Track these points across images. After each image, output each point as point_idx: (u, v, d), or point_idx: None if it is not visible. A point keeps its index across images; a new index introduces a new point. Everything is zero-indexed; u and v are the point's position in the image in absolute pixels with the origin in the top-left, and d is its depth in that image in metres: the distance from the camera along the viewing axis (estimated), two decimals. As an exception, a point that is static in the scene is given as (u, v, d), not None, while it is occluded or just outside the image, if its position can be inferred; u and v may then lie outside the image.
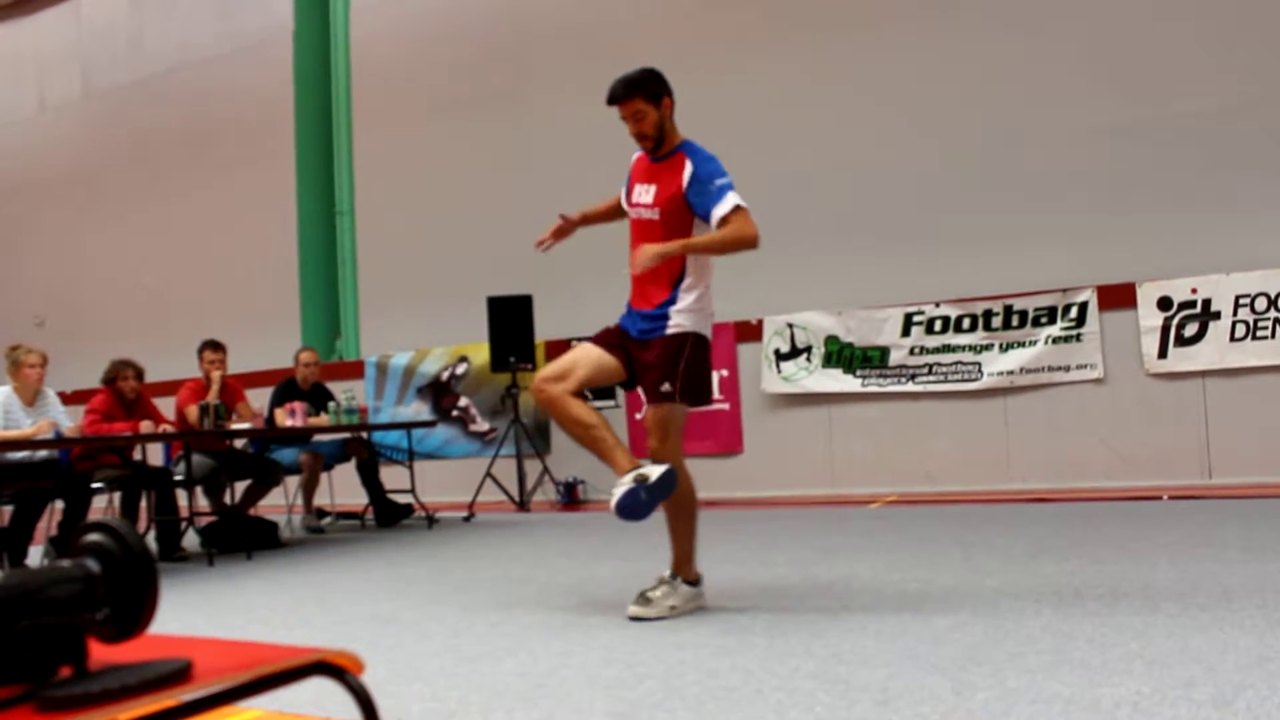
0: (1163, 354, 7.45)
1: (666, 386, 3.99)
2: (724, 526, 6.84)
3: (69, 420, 6.89)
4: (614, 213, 4.43)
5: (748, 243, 3.97)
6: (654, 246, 3.93)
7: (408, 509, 8.44)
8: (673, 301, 4.04)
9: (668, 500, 3.98)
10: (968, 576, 4.42)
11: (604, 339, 4.13)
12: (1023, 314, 7.84)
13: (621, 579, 4.76)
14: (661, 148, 4.10)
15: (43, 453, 6.59)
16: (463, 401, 10.28)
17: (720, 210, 3.94)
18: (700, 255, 4.05)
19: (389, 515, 8.39)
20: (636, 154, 4.26)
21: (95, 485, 6.70)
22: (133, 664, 1.21)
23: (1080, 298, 7.65)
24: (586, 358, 4.06)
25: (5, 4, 14.38)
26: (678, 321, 4.04)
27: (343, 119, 11.45)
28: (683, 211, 4.02)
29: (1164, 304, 7.45)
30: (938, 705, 2.58)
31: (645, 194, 4.11)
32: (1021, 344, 7.84)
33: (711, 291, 4.16)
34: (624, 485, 3.80)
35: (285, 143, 11.65)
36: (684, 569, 4.07)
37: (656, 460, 3.94)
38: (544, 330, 9.18)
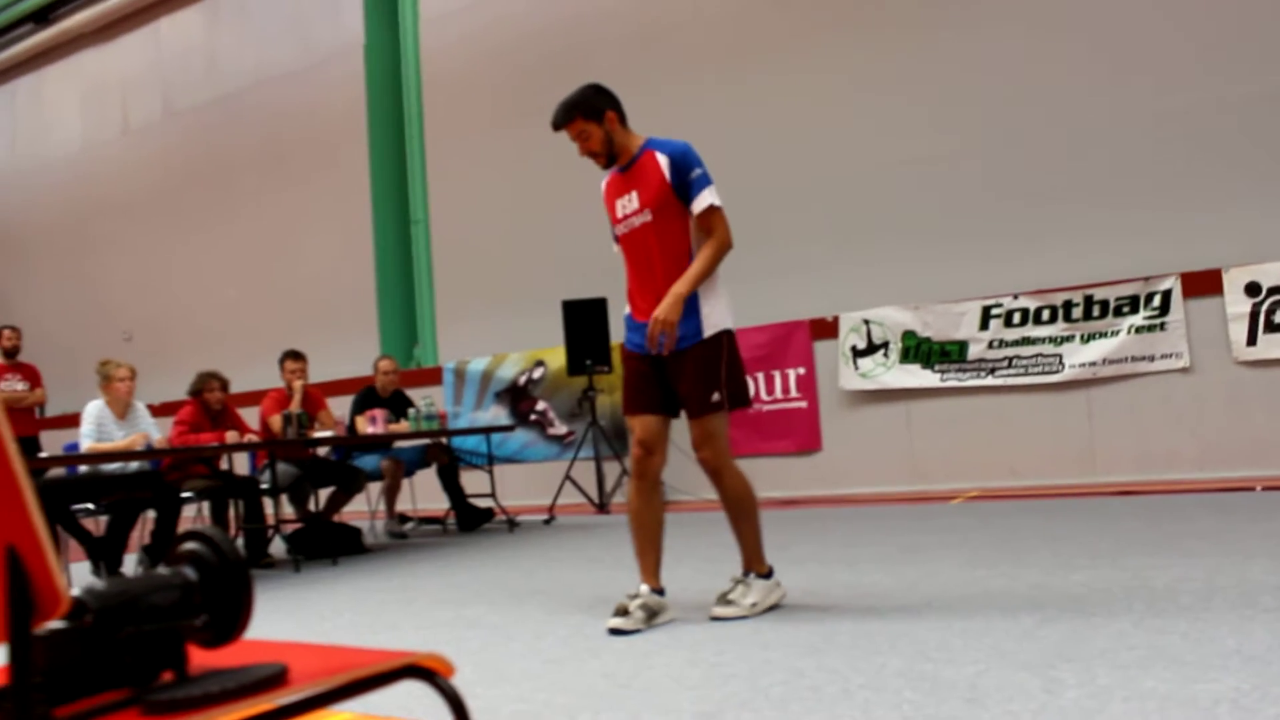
0: (1251, 340, 7.25)
1: (716, 396, 3.95)
2: (804, 525, 6.80)
3: (159, 432, 7.06)
4: None
5: (728, 249, 3.98)
6: (667, 310, 3.85)
7: (488, 513, 8.52)
8: (695, 299, 3.96)
9: (729, 502, 4.02)
10: (1054, 571, 4.34)
11: (643, 396, 4.07)
12: (1104, 304, 7.69)
13: (704, 579, 4.76)
14: (622, 157, 4.09)
15: (135, 464, 6.76)
16: (540, 405, 10.34)
17: (698, 204, 3.94)
18: (704, 257, 3.97)
19: (470, 519, 8.47)
20: (603, 184, 4.24)
21: (185, 495, 6.85)
22: (231, 669, 1.24)
23: (1163, 285, 7.48)
24: (648, 426, 4.04)
25: (91, 31, 14.80)
26: (713, 321, 3.99)
27: (415, 129, 11.59)
28: (672, 203, 3.98)
29: (1252, 289, 7.25)
30: (1028, 703, 2.54)
31: (630, 202, 4.07)
32: (1103, 334, 7.68)
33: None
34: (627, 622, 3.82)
35: (359, 154, 11.84)
36: (755, 564, 4.08)
37: (710, 467, 3.97)
38: (619, 333, 9.16)
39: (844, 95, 8.87)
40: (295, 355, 7.98)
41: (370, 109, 11.83)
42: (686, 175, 3.95)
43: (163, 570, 1.27)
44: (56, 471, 6.82)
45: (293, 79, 12.54)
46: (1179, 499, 6.60)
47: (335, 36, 12.16)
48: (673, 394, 4.06)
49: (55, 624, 1.10)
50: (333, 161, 12.13)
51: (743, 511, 4.06)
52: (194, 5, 13.77)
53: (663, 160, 3.99)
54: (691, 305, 3.96)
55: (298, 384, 7.82)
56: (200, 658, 1.25)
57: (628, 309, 4.19)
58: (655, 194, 3.99)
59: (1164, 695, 2.51)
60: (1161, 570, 4.15)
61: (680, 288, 3.88)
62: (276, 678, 1.23)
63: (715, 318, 4.00)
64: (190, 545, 1.28)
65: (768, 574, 4.09)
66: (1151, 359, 7.53)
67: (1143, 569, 4.22)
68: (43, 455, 7.66)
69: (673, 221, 3.99)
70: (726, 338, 4.01)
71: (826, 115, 8.89)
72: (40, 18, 15.35)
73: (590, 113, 4.05)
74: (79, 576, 6.50)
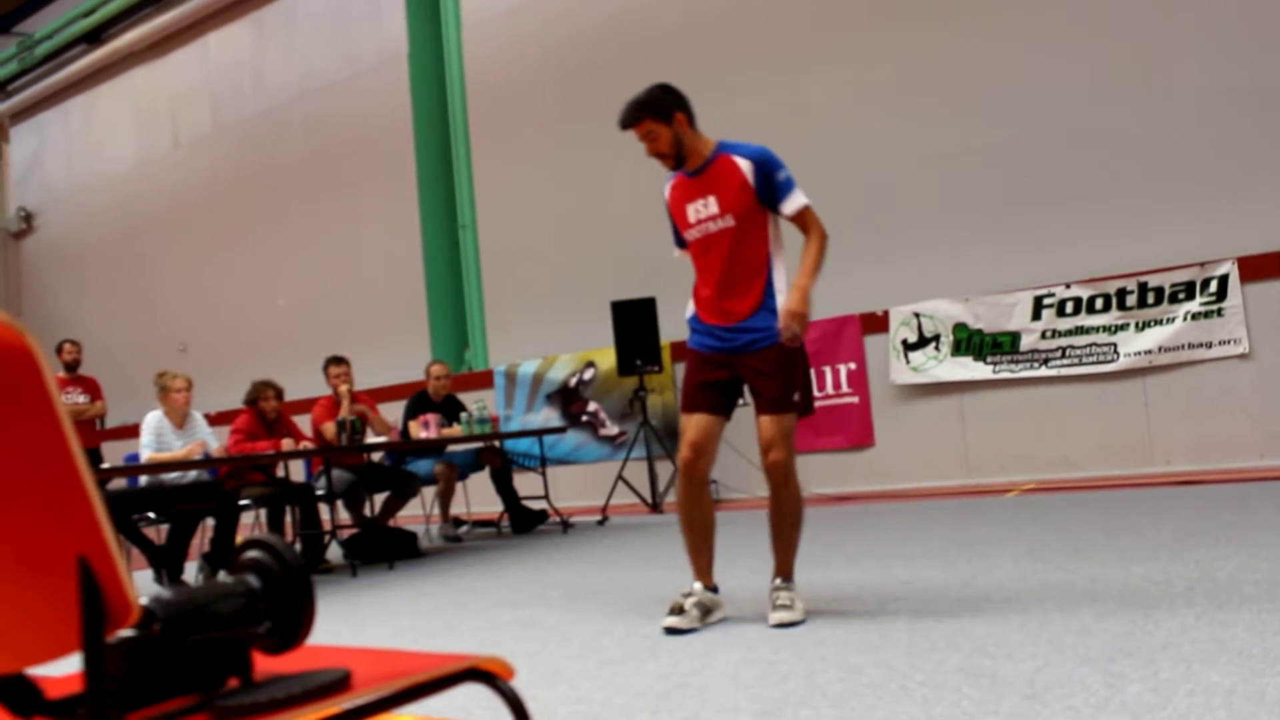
0: (1313, 325, 7.12)
1: (797, 396, 3.95)
2: (859, 521, 6.77)
3: (216, 441, 7.17)
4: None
5: (828, 241, 3.98)
6: (797, 301, 3.84)
7: (542, 515, 8.56)
8: (774, 300, 3.96)
9: (788, 510, 3.98)
10: (1113, 564, 4.29)
11: (704, 396, 4.05)
12: (1158, 291, 7.58)
13: (759, 578, 4.75)
14: (690, 162, 4.04)
15: (193, 473, 6.87)
16: (591, 406, 10.37)
17: (790, 206, 3.92)
18: (779, 254, 3.99)
19: (524, 522, 8.52)
20: (666, 186, 4.19)
21: (242, 503, 6.95)
22: (295, 674, 1.26)
23: (1220, 270, 7.36)
24: (701, 427, 4.02)
25: (141, 49, 15.05)
26: None
27: (460, 135, 11.67)
28: (754, 209, 3.95)
29: (1312, 272, 7.12)
30: (1089, 698, 2.52)
31: (705, 207, 4.00)
32: (1159, 322, 7.57)
33: None
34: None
35: (406, 161, 11.94)
36: (790, 571, 4.03)
37: (783, 471, 3.92)
38: (669, 332, 9.21)
39: (889, 88, 8.81)
40: (338, 360, 8.04)
41: (415, 116, 11.93)
42: (773, 178, 3.92)
43: (226, 578, 1.30)
44: (118, 482, 6.94)
45: (338, 89, 12.68)
46: (1240, 488, 6.49)
47: (379, 46, 12.27)
48: (732, 396, 4.06)
49: (125, 632, 1.12)
50: (379, 169, 12.25)
51: (797, 520, 4.02)
52: (240, 20, 13.96)
53: (744, 165, 3.95)
54: (770, 305, 3.96)
55: (344, 388, 7.88)
56: (264, 664, 1.27)
57: (691, 309, 4.15)
58: (737, 199, 3.95)
59: (1229, 689, 2.47)
60: (1223, 561, 4.09)
61: (804, 281, 3.87)
62: (340, 683, 1.25)
63: None
64: (253, 553, 1.30)
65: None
66: (1209, 346, 7.41)
67: (1204, 560, 4.16)
68: (105, 466, 7.80)
69: (754, 228, 3.97)
70: (803, 345, 4.02)
71: (872, 109, 8.84)
72: (92, 38, 15.64)
73: (659, 113, 3.99)
74: (142, 585, 6.61)
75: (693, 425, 4.04)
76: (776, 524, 4.03)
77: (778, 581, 3.98)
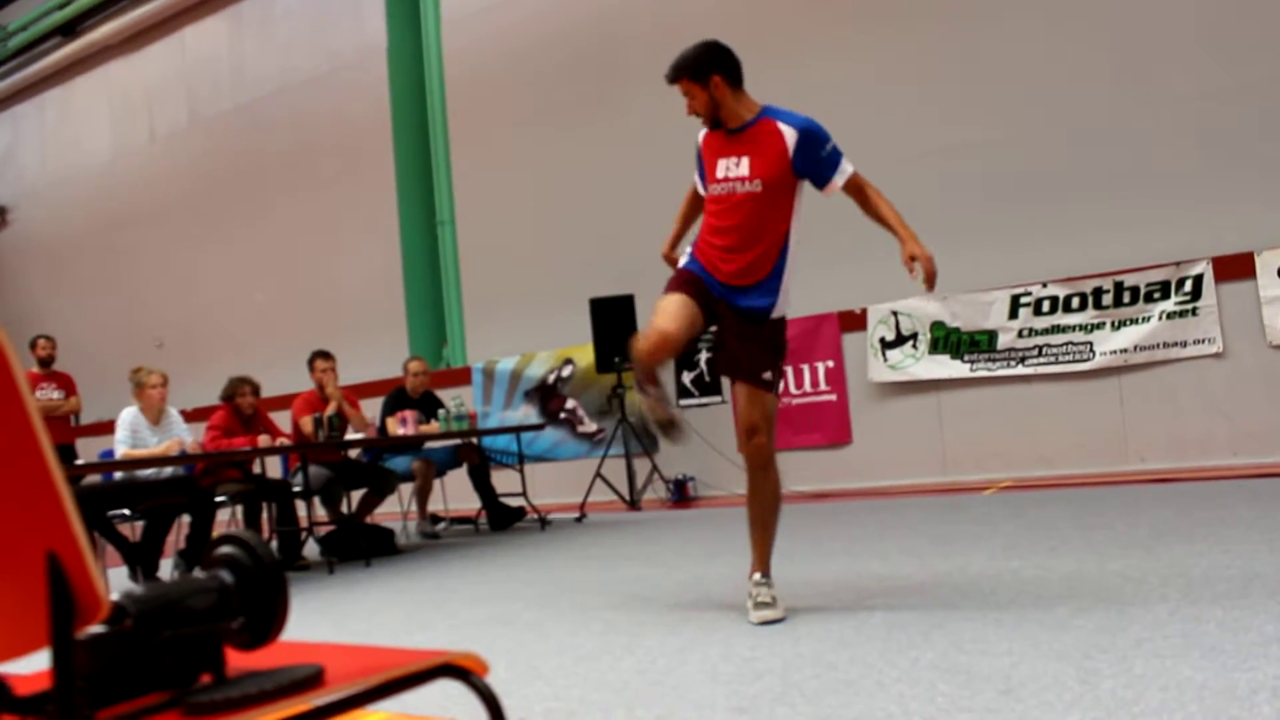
0: (1286, 324, 7.18)
1: (768, 375, 3.93)
2: (836, 518, 6.79)
3: (191, 437, 7.13)
4: (694, 209, 4.31)
5: None
6: (918, 249, 3.85)
7: (520, 512, 8.55)
8: (779, 279, 3.95)
9: (768, 499, 3.95)
10: (1089, 561, 4.31)
11: (690, 290, 3.93)
12: (1134, 290, 7.63)
13: (736, 575, 4.75)
14: (731, 122, 3.96)
15: (169, 470, 6.83)
16: (570, 403, 10.37)
17: (840, 178, 3.91)
18: (795, 233, 3.97)
19: (502, 519, 8.50)
20: (702, 133, 4.12)
21: (219, 499, 6.91)
22: (268, 670, 1.25)
23: (1195, 270, 7.42)
24: (684, 311, 3.88)
25: (117, 42, 14.94)
26: (784, 302, 3.99)
27: (439, 131, 11.63)
28: (786, 179, 3.90)
29: (1286, 273, 7.18)
30: (1063, 693, 2.53)
31: (736, 166, 3.93)
32: (1134, 321, 7.62)
33: None
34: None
35: (384, 157, 11.89)
36: (767, 565, 3.98)
37: (765, 457, 3.90)
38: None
39: (867, 86, 8.83)
40: (324, 355, 8.00)
41: (394, 112, 11.88)
42: (818, 151, 3.88)
43: (199, 574, 1.29)
44: (92, 478, 6.90)
45: (316, 84, 12.62)
46: (1213, 486, 6.54)
47: (358, 41, 12.22)
48: (708, 318, 3.98)
49: (96, 628, 1.12)
50: (358, 165, 12.20)
51: (776, 508, 3.99)
52: (218, 14, 13.88)
53: (788, 133, 3.88)
54: (774, 283, 3.94)
55: (331, 384, 7.85)
56: (238, 660, 1.27)
57: (689, 252, 4.09)
58: (772, 166, 3.89)
59: (1201, 684, 2.49)
60: (1197, 558, 4.12)
61: (906, 228, 3.90)
62: (313, 678, 1.25)
63: (786, 305, 4.01)
64: (226, 549, 1.30)
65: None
66: (1184, 345, 7.46)
67: (1178, 557, 4.18)
68: (79, 463, 7.75)
69: (781, 198, 3.92)
70: (783, 326, 4.03)
71: (850, 106, 8.84)
72: (67, 31, 15.53)
73: (696, 74, 3.93)
74: (116, 582, 6.57)
75: (668, 308, 3.89)
76: (756, 513, 3.98)
77: (757, 577, 3.90)
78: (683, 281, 3.98)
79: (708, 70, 3.92)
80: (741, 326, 3.95)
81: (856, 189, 3.97)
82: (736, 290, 3.95)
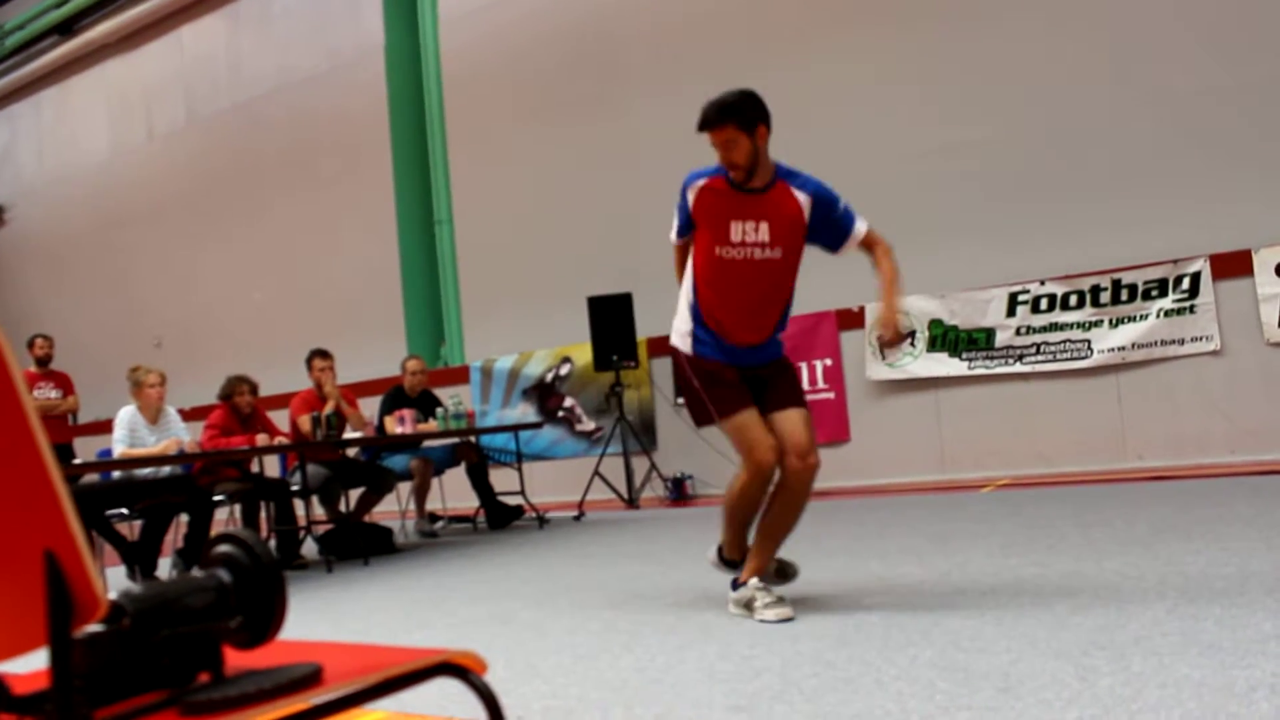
0: (1284, 322, 7.19)
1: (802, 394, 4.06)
2: (834, 516, 6.79)
3: (189, 436, 7.12)
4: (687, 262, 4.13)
5: None
6: (894, 315, 3.91)
7: (518, 510, 8.55)
8: (785, 323, 4.08)
9: (797, 507, 3.91)
10: (1087, 559, 4.32)
11: (746, 395, 3.93)
12: (1132, 288, 7.63)
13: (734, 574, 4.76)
14: (758, 178, 3.82)
15: (167, 469, 6.82)
16: (568, 402, 10.37)
17: (857, 236, 3.94)
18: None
19: (500, 517, 8.50)
20: (698, 182, 3.90)
21: (217, 498, 6.91)
22: (266, 669, 1.25)
23: (1192, 268, 7.42)
24: (761, 424, 3.89)
25: (114, 41, 14.93)
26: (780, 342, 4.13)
27: (437, 130, 11.63)
28: (799, 243, 3.93)
29: (1283, 270, 7.19)
30: (1061, 691, 2.53)
31: (755, 232, 3.82)
32: (1132, 319, 7.63)
33: None
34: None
35: (382, 156, 11.89)
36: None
37: (811, 475, 3.87)
38: (645, 328, 9.21)
39: (868, 86, 8.83)
40: (322, 354, 7.99)
41: (392, 111, 11.87)
42: (831, 214, 3.90)
43: (197, 573, 1.29)
44: (90, 477, 6.89)
45: (314, 83, 12.61)
46: (1211, 483, 6.54)
47: (355, 40, 12.21)
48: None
49: (94, 627, 1.12)
50: (356, 164, 12.19)
51: (798, 516, 3.97)
52: (215, 12, 13.87)
53: (802, 199, 3.85)
54: (783, 327, 4.06)
55: (330, 382, 7.85)
56: (236, 659, 1.27)
57: (702, 324, 3.96)
58: (790, 234, 3.87)
59: (1199, 681, 2.49)
60: (1194, 556, 4.12)
61: (894, 300, 3.94)
62: (311, 677, 1.24)
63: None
64: (223, 548, 1.29)
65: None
66: (1181, 342, 7.47)
67: (1176, 555, 4.19)
68: (76, 462, 7.74)
69: (794, 262, 3.97)
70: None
71: (850, 106, 8.86)
72: (64, 29, 15.51)
73: (745, 122, 3.74)
74: (114, 581, 6.57)
75: (755, 422, 3.86)
76: (788, 523, 3.91)
77: (754, 582, 3.87)
78: (733, 388, 3.90)
79: (756, 119, 3.77)
80: (774, 370, 4.02)
81: (870, 244, 4.00)
82: (757, 349, 3.99)
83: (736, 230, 3.84)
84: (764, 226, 3.83)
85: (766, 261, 3.86)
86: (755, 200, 3.84)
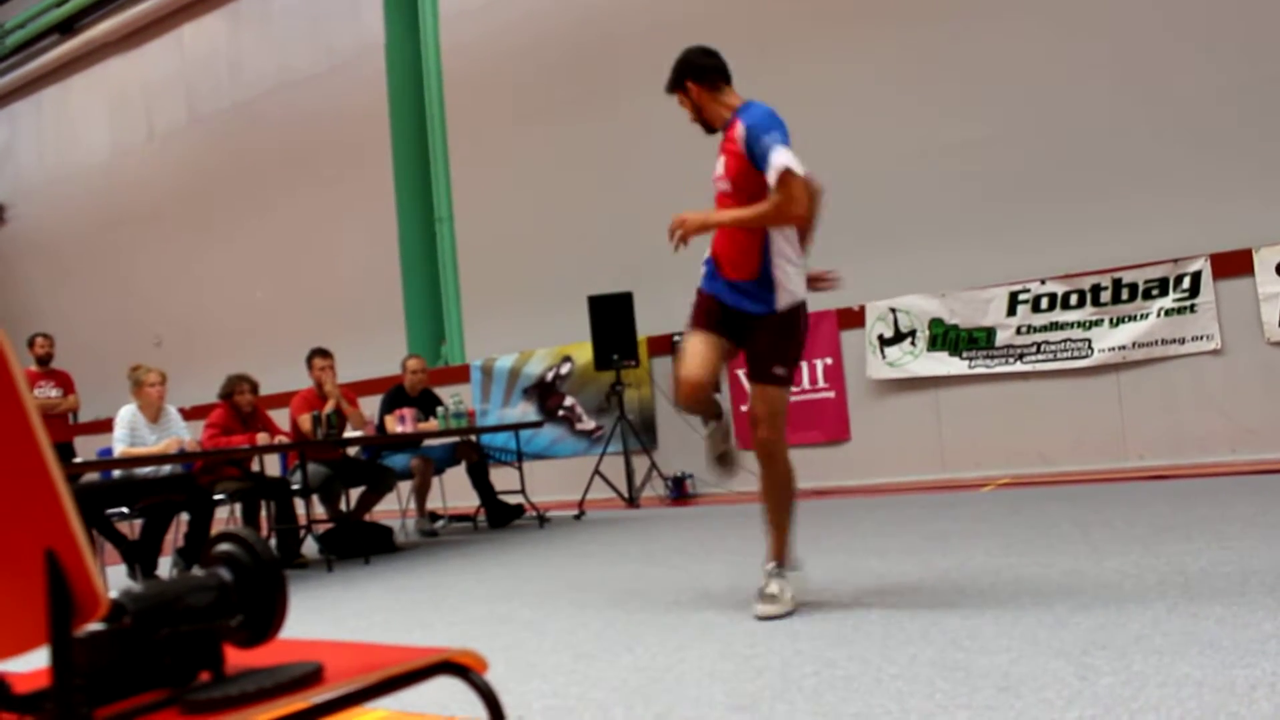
0: (1284, 321, 7.18)
1: (780, 370, 3.93)
2: (834, 515, 6.80)
3: (189, 435, 7.12)
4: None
5: (789, 219, 3.84)
6: (696, 216, 3.95)
7: (519, 509, 8.55)
8: (769, 268, 3.92)
9: (777, 488, 3.95)
10: (1087, 558, 4.32)
11: (708, 322, 4.03)
12: (1132, 287, 7.63)
13: (735, 573, 4.77)
14: (714, 123, 4.10)
15: (167, 468, 6.83)
16: (568, 401, 10.36)
17: (770, 174, 3.74)
18: (752, 209, 3.89)
19: (500, 516, 8.50)
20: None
21: (217, 497, 6.91)
22: (267, 668, 1.25)
23: (1193, 267, 7.42)
24: (708, 351, 4.00)
25: (114, 40, 14.93)
26: (789, 289, 3.94)
27: (437, 128, 11.63)
28: (751, 176, 3.86)
29: (1284, 269, 7.19)
30: (1062, 690, 2.53)
31: (717, 167, 4.07)
32: (1133, 318, 7.62)
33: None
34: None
35: (383, 154, 11.89)
36: (785, 556, 3.98)
37: (767, 450, 3.90)
38: (645, 327, 9.21)
39: (868, 85, 8.83)
40: (323, 353, 7.99)
41: (393, 109, 11.87)
42: (755, 146, 3.81)
43: (198, 572, 1.29)
44: (91, 476, 6.89)
45: (314, 81, 12.61)
46: (1213, 482, 6.54)
47: (355, 38, 12.21)
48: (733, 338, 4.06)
49: (94, 626, 1.12)
50: (356, 163, 12.19)
51: (780, 500, 3.97)
52: (216, 11, 13.86)
53: (739, 133, 3.89)
54: (767, 275, 3.92)
55: (330, 381, 7.84)
56: (236, 657, 1.27)
57: (708, 259, 4.15)
58: (736, 166, 3.94)
59: (1199, 681, 2.49)
60: (1195, 555, 4.12)
61: (723, 216, 3.94)
62: (312, 676, 1.25)
63: (797, 289, 3.98)
64: (224, 547, 1.30)
65: (795, 568, 4.01)
66: (1182, 341, 7.47)
67: (1176, 554, 4.19)
68: (77, 461, 7.74)
69: (753, 195, 3.87)
70: (802, 307, 4.01)
71: (850, 105, 8.85)
72: (65, 28, 15.50)
73: (672, 85, 4.15)
74: (115, 580, 6.57)
75: (697, 350, 4.00)
76: (769, 504, 3.99)
77: (770, 566, 3.92)
78: (701, 313, 4.09)
79: (680, 78, 4.11)
80: (755, 327, 3.98)
81: (780, 188, 3.77)
82: (741, 294, 3.97)
83: (716, 168, 4.09)
84: (720, 161, 4.06)
85: (723, 195, 4.04)
86: (720, 139, 4.10)
